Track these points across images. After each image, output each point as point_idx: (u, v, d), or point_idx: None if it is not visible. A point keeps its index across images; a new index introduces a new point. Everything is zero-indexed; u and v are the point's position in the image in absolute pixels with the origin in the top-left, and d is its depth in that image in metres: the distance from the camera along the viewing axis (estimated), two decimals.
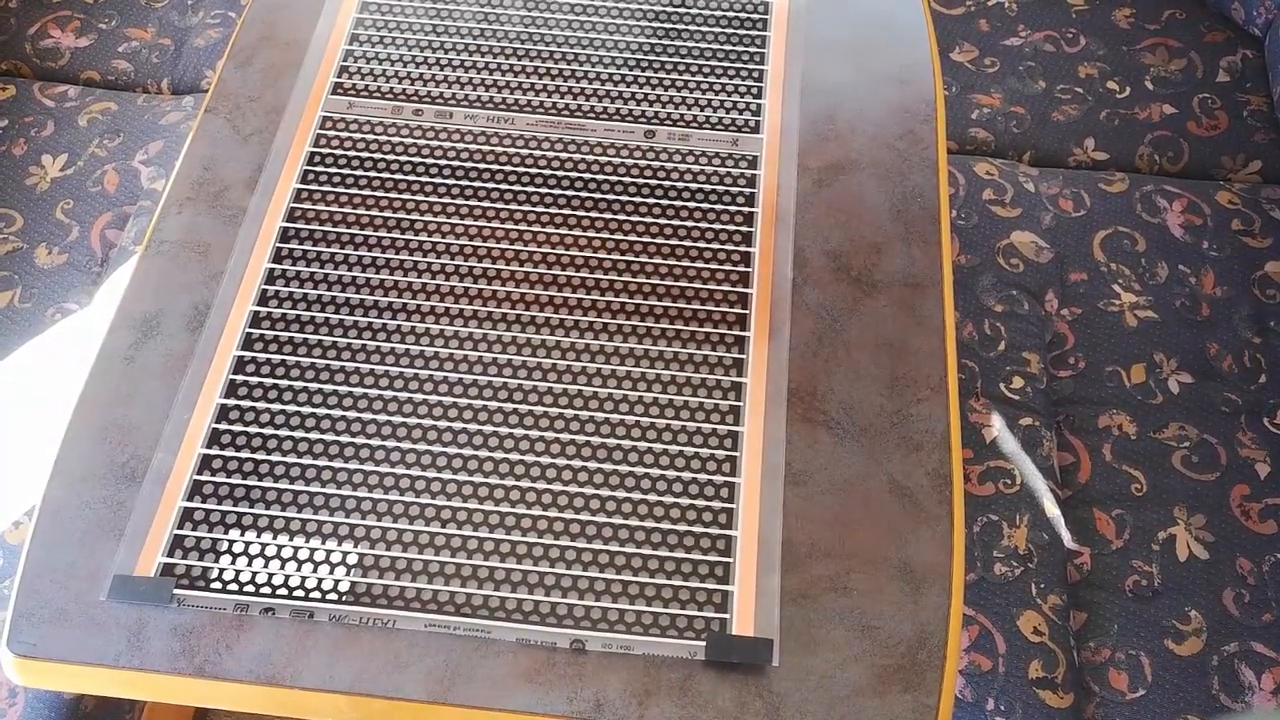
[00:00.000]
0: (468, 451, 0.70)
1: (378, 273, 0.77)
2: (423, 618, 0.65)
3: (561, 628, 0.65)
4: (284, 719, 1.17)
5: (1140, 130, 1.16)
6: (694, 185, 0.81)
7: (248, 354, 0.74)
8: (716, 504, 0.68)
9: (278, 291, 0.76)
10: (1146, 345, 1.01)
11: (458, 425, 0.71)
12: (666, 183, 0.82)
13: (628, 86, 0.86)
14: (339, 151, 0.83)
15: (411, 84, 0.86)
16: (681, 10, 0.91)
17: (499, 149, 0.83)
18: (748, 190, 0.81)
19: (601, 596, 0.65)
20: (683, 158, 0.83)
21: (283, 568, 0.66)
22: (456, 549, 0.67)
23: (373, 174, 0.82)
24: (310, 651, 0.64)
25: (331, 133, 0.84)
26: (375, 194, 0.81)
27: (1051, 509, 0.93)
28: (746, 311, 0.76)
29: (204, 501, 0.68)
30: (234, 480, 0.69)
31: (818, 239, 0.79)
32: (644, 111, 0.85)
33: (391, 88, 0.86)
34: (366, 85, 0.86)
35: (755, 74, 0.87)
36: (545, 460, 0.70)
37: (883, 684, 0.63)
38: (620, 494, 0.69)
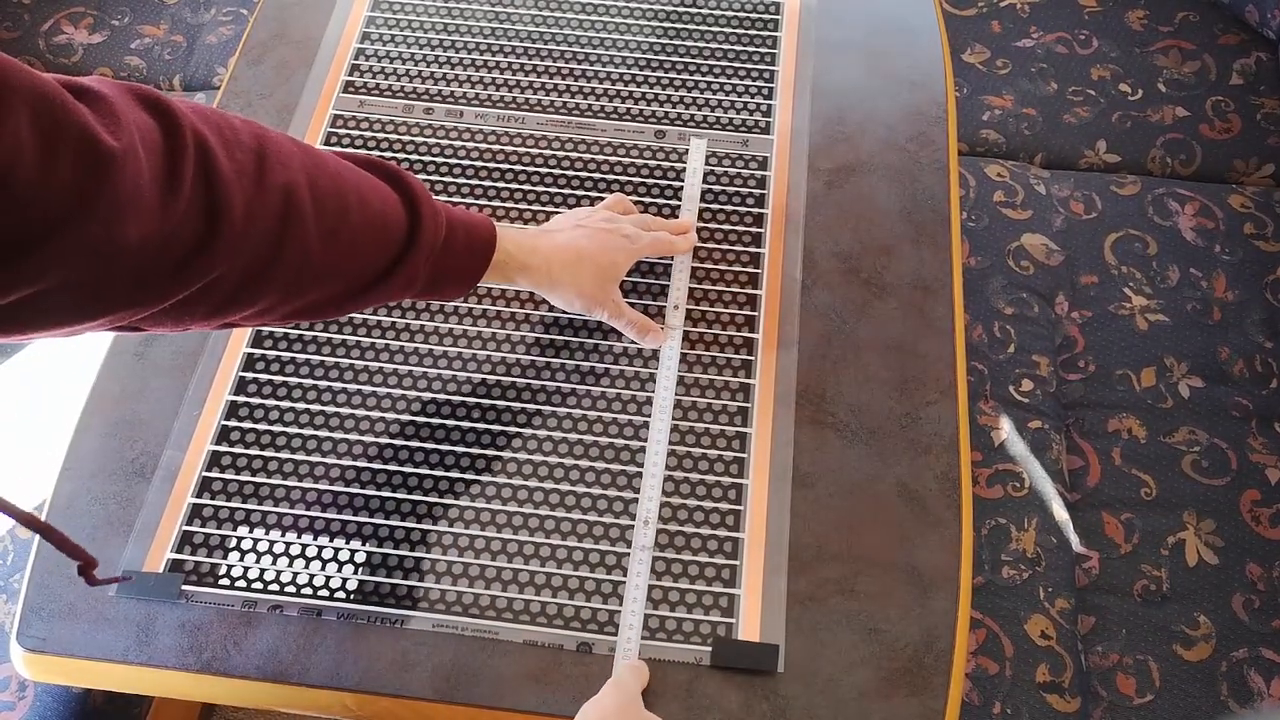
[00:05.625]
0: (476, 451, 0.70)
1: None
2: (430, 617, 0.65)
3: (568, 629, 0.65)
4: (291, 715, 1.17)
5: (1152, 133, 1.16)
6: (704, 186, 0.81)
7: (257, 351, 0.74)
8: (724, 506, 0.68)
9: None
10: (1157, 349, 1.01)
11: (466, 424, 0.71)
12: (676, 183, 0.81)
13: (638, 87, 0.86)
14: (350, 149, 0.83)
15: (422, 83, 0.86)
16: (692, 11, 0.91)
17: (509, 148, 0.83)
18: (758, 191, 0.81)
19: (609, 599, 0.65)
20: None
21: (290, 565, 0.66)
22: (464, 549, 0.67)
23: None
24: (318, 649, 0.64)
25: (342, 131, 0.84)
26: None
27: (1060, 512, 0.93)
28: (755, 313, 0.75)
29: (213, 498, 0.69)
30: (243, 477, 0.69)
31: (827, 241, 0.79)
32: (654, 112, 0.85)
33: (402, 86, 0.86)
34: (378, 84, 0.86)
35: (766, 75, 0.87)
36: (553, 460, 0.70)
37: (889, 687, 0.63)
38: (628, 495, 0.69)
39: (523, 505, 0.69)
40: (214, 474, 0.70)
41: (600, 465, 0.70)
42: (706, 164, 0.82)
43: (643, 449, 0.70)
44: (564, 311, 0.75)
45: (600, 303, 0.71)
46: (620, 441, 0.71)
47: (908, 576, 0.66)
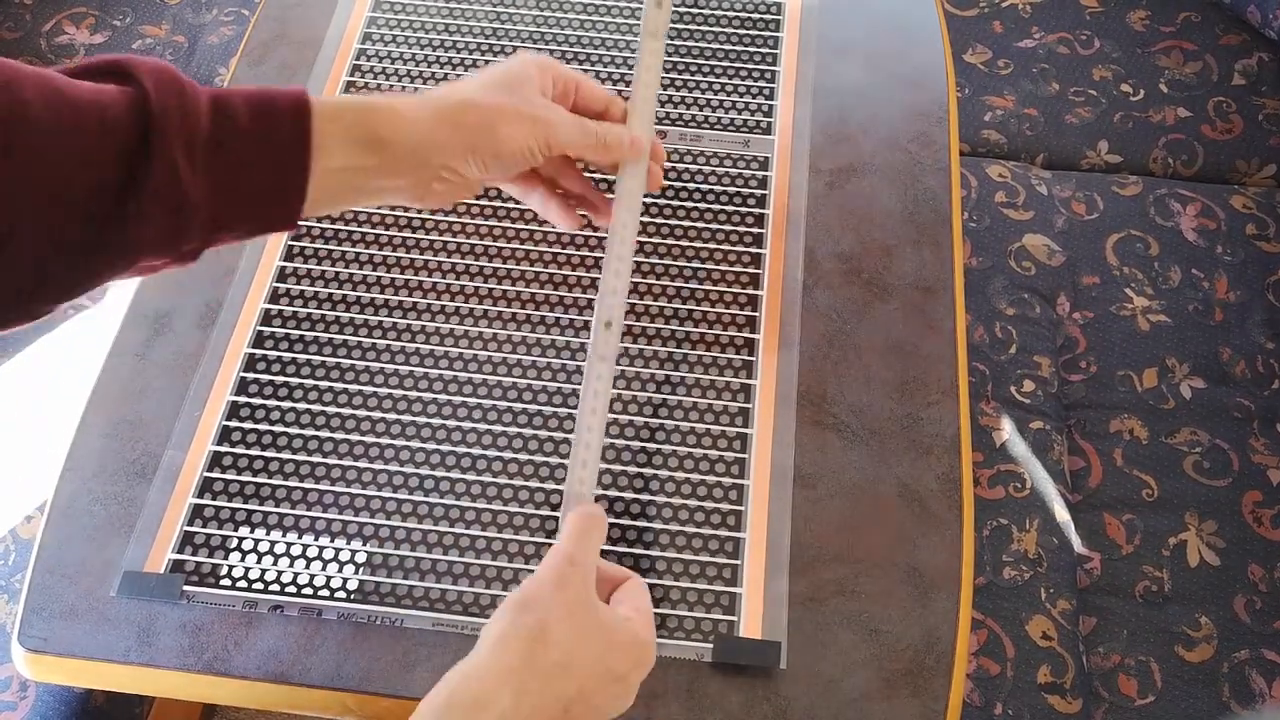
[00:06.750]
0: (477, 451, 0.70)
1: (389, 271, 0.77)
2: (431, 616, 0.65)
3: None
4: (292, 716, 1.17)
5: (1154, 133, 1.16)
6: (704, 186, 0.81)
7: (259, 351, 0.74)
8: (725, 506, 0.68)
9: (289, 289, 0.76)
10: (1158, 350, 1.01)
11: (467, 425, 0.71)
12: (677, 183, 0.81)
13: None
14: None
15: (424, 83, 0.86)
16: (693, 11, 0.91)
17: None
18: (759, 192, 0.81)
19: None
20: (694, 159, 0.83)
21: (291, 565, 0.66)
22: (465, 548, 0.67)
23: None
24: (318, 649, 0.64)
25: None
26: None
27: (1061, 513, 0.93)
28: (756, 314, 0.75)
29: (214, 499, 0.69)
30: (244, 478, 0.69)
31: (829, 241, 0.79)
32: (655, 111, 0.85)
33: (404, 87, 0.86)
34: (379, 84, 0.86)
35: (767, 75, 0.87)
36: (554, 460, 0.70)
37: (890, 688, 0.63)
38: (629, 495, 0.69)
39: (524, 505, 0.69)
40: (215, 474, 0.70)
41: (601, 467, 0.70)
42: (708, 164, 0.82)
43: (644, 449, 0.70)
44: (565, 312, 0.75)
45: (537, 121, 0.51)
46: (620, 442, 0.71)
47: (909, 577, 0.66)
